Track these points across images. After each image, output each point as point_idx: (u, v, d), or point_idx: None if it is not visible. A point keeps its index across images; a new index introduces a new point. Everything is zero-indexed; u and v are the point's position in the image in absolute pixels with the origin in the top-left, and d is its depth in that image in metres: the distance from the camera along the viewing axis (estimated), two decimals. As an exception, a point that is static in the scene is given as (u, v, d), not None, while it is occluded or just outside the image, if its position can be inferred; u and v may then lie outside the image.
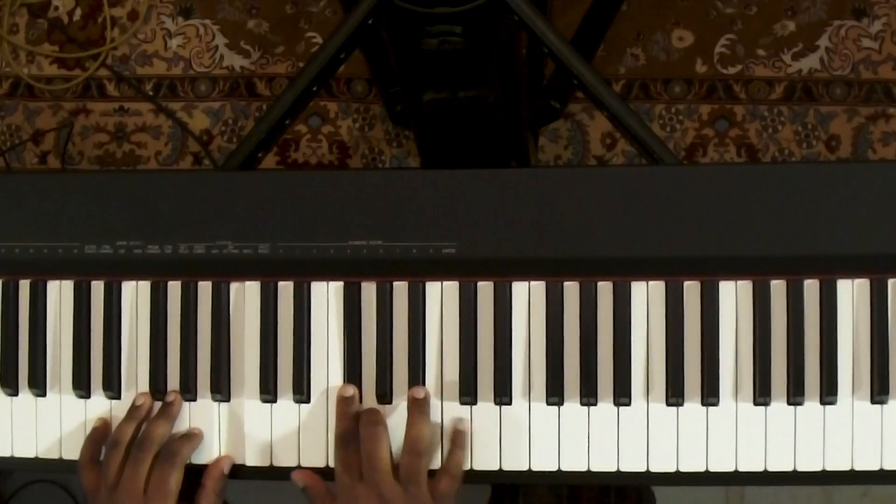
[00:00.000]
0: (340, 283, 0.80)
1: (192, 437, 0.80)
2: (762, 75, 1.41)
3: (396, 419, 0.79)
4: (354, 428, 0.77)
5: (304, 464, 0.80)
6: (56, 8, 1.53)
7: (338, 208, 0.79)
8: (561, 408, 0.78)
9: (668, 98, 1.42)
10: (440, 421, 0.79)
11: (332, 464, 0.79)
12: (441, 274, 0.79)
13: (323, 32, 1.48)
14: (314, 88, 0.92)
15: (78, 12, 1.53)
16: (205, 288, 0.81)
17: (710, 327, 0.77)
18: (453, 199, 0.78)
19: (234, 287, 0.81)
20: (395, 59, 0.96)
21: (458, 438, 0.77)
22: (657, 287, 0.78)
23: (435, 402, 0.79)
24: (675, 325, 0.77)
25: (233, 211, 0.79)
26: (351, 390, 0.78)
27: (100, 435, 0.81)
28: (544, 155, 1.43)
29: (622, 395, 0.77)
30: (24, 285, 0.83)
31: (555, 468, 0.78)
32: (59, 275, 0.83)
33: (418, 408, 0.77)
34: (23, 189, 0.82)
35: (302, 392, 0.80)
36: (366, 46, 1.27)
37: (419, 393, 0.78)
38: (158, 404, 0.81)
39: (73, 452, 0.82)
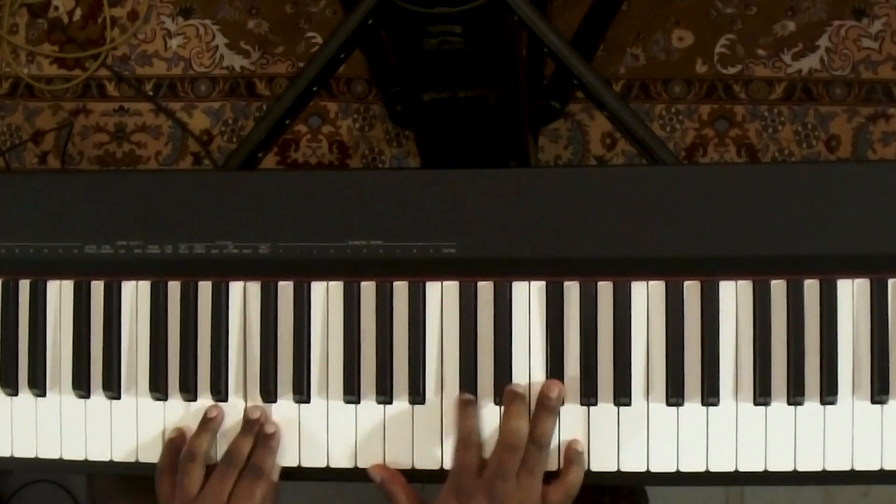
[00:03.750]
0: (340, 283, 0.80)
1: (271, 444, 0.79)
2: (762, 75, 1.41)
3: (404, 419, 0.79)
4: (477, 427, 0.77)
5: (304, 464, 0.80)
6: (56, 8, 1.53)
7: (338, 208, 0.79)
8: (561, 408, 0.78)
9: (668, 98, 1.42)
10: (440, 421, 0.79)
11: (332, 464, 0.79)
12: (441, 274, 0.79)
13: (323, 32, 1.48)
14: (314, 88, 0.92)
15: (78, 12, 1.53)
16: (205, 288, 0.81)
17: (710, 327, 0.77)
18: (453, 199, 0.78)
19: (234, 287, 0.81)
20: (395, 59, 0.96)
21: (577, 456, 0.77)
22: (657, 287, 0.78)
23: (435, 403, 0.79)
24: (675, 325, 0.77)
25: (233, 211, 0.79)
26: (470, 395, 0.78)
27: (177, 445, 0.80)
28: (544, 155, 1.43)
29: (622, 394, 0.77)
30: (24, 285, 0.83)
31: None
32: (59, 275, 0.83)
33: (548, 405, 0.77)
34: (23, 189, 0.82)
35: (302, 392, 0.80)
36: (366, 46, 1.27)
37: (552, 392, 0.76)
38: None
39: (72, 452, 0.82)
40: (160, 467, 0.80)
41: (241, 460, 0.78)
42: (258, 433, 0.79)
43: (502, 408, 0.77)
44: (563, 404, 0.77)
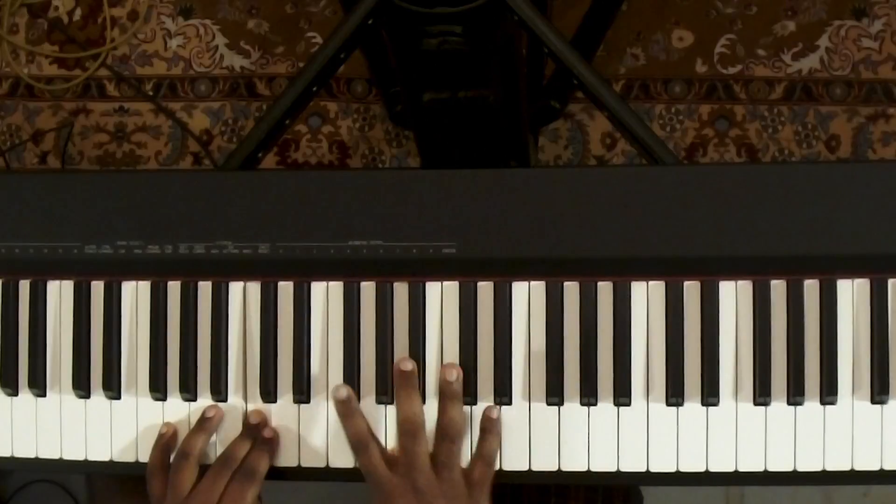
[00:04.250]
0: (340, 283, 0.80)
1: (267, 450, 0.79)
2: (762, 75, 1.41)
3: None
4: (365, 427, 0.77)
5: (304, 464, 0.80)
6: (56, 8, 1.53)
7: (338, 208, 0.79)
8: (561, 408, 0.78)
9: (668, 98, 1.42)
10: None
11: (332, 464, 0.79)
12: (441, 274, 0.79)
13: (323, 32, 1.48)
14: (314, 88, 0.92)
15: (78, 12, 1.53)
16: (205, 288, 0.81)
17: (710, 327, 0.77)
18: (453, 199, 0.78)
19: (234, 287, 0.81)
20: (395, 59, 0.96)
21: (490, 425, 0.77)
22: (657, 287, 0.78)
23: (435, 403, 0.79)
24: (675, 325, 0.77)
25: (233, 211, 0.79)
26: (345, 391, 0.78)
27: (168, 443, 0.80)
28: (544, 155, 1.43)
29: (622, 395, 0.77)
30: (24, 285, 0.83)
31: (555, 468, 0.78)
32: (59, 275, 0.83)
33: (450, 391, 0.77)
34: (23, 189, 0.82)
35: (302, 392, 0.80)
36: (366, 46, 1.27)
37: (451, 375, 0.77)
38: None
39: (72, 452, 0.82)
40: (151, 465, 0.80)
41: (237, 463, 0.78)
42: (262, 438, 0.79)
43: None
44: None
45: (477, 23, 0.85)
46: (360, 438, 0.77)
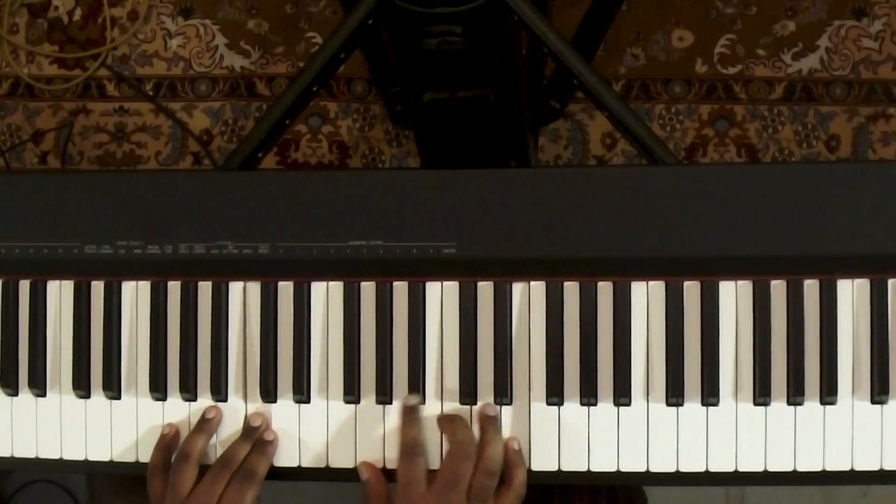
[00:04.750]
0: (340, 283, 0.80)
1: (268, 450, 0.79)
2: (762, 75, 1.41)
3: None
4: (420, 437, 0.77)
5: (304, 464, 0.80)
6: (56, 8, 1.53)
7: (338, 208, 0.79)
8: (561, 408, 0.78)
9: (668, 98, 1.42)
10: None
11: (332, 464, 0.79)
12: (441, 274, 0.79)
13: (323, 32, 1.48)
14: (314, 88, 0.92)
15: (78, 12, 1.53)
16: (205, 288, 0.81)
17: (710, 327, 0.77)
18: (453, 199, 0.78)
19: (234, 287, 0.81)
20: (395, 59, 0.96)
21: (517, 457, 0.77)
22: (657, 287, 0.78)
23: (434, 403, 0.79)
24: (675, 325, 0.77)
25: (233, 211, 0.79)
26: (415, 399, 0.78)
27: (169, 443, 0.80)
28: (544, 155, 1.43)
29: (622, 395, 0.77)
30: (24, 285, 0.83)
31: (555, 468, 0.78)
32: (59, 275, 0.83)
33: (492, 426, 0.77)
34: (23, 189, 0.82)
35: (302, 392, 0.80)
36: (366, 46, 1.27)
37: (493, 410, 0.77)
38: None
39: (72, 452, 0.82)
40: (152, 465, 0.80)
41: (236, 464, 0.78)
42: (259, 440, 0.79)
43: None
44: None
45: (477, 23, 0.85)
46: (414, 446, 0.77)
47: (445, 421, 0.78)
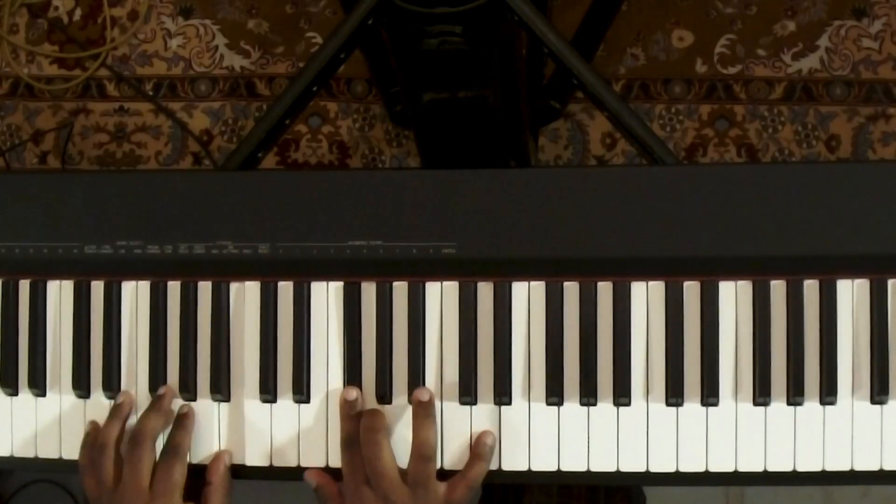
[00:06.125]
0: (340, 283, 0.80)
1: (186, 424, 0.79)
2: (762, 75, 1.41)
3: (403, 419, 0.79)
4: (357, 431, 0.77)
5: (304, 464, 0.80)
6: (56, 8, 1.53)
7: (338, 208, 0.79)
8: (561, 408, 0.78)
9: (668, 98, 1.42)
10: (440, 422, 0.79)
11: (332, 464, 0.79)
12: (441, 274, 0.79)
13: (323, 32, 1.48)
14: (314, 88, 0.92)
15: (78, 12, 1.53)
16: (205, 288, 0.81)
17: (710, 327, 0.77)
18: (453, 199, 0.78)
19: (234, 287, 0.81)
20: (395, 59, 0.96)
21: (483, 451, 0.77)
22: (657, 287, 0.78)
23: (434, 403, 0.79)
24: (675, 325, 0.77)
25: (233, 211, 0.79)
26: (354, 393, 0.78)
27: (94, 438, 0.80)
28: (544, 155, 1.43)
29: (622, 395, 0.77)
30: (24, 285, 0.83)
31: (554, 468, 0.78)
32: (59, 275, 0.83)
33: (423, 411, 0.77)
34: (23, 189, 0.82)
35: (302, 392, 0.80)
36: (366, 46, 1.27)
37: (423, 395, 0.77)
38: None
39: (72, 452, 0.82)
40: (80, 465, 0.80)
41: (145, 438, 0.78)
42: (176, 415, 0.80)
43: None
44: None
45: (477, 23, 0.85)
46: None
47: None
